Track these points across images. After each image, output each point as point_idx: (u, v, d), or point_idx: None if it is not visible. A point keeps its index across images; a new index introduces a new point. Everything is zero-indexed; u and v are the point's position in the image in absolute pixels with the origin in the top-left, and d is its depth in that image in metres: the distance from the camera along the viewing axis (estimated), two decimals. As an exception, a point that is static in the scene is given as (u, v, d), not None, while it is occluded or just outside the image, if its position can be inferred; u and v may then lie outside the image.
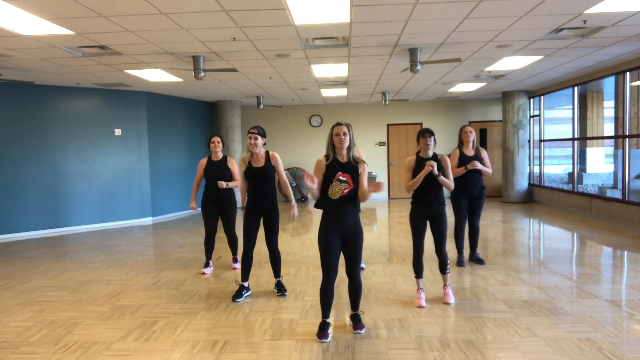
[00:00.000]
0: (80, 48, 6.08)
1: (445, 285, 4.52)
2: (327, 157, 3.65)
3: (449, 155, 4.92)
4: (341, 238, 3.64)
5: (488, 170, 5.53)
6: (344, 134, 3.54)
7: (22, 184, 8.55)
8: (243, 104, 12.87)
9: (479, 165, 5.41)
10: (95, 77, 8.04)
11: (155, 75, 8.01)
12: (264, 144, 4.59)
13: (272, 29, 5.37)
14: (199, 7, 4.56)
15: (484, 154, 5.60)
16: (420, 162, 4.33)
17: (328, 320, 3.74)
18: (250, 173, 4.51)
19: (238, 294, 4.66)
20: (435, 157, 4.35)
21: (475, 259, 5.81)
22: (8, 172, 8.40)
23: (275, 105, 12.79)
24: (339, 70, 7.99)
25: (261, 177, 4.49)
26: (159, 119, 10.45)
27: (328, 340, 3.63)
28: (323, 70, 7.93)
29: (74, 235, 8.72)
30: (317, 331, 3.71)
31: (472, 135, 5.54)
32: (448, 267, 4.47)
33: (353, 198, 3.59)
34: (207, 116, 12.48)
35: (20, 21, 4.82)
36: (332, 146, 3.61)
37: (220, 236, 7.88)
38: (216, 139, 5.60)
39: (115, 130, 9.59)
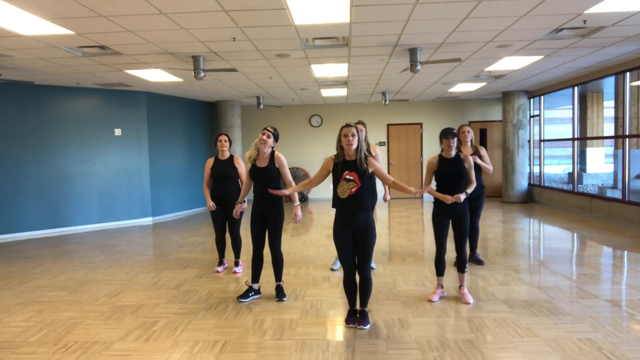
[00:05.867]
0: (80, 48, 6.08)
1: (462, 286, 4.52)
2: (337, 156, 3.77)
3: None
4: (353, 235, 3.75)
5: (487, 166, 5.44)
6: (352, 135, 3.62)
7: (22, 184, 8.55)
8: (243, 104, 12.87)
9: (477, 159, 5.30)
10: (95, 77, 8.04)
11: (155, 75, 8.01)
12: (273, 147, 4.52)
13: (272, 29, 5.37)
14: (199, 7, 4.56)
15: (483, 152, 5.52)
16: (443, 163, 4.34)
17: (356, 308, 3.94)
18: (254, 172, 4.48)
19: (244, 295, 4.62)
20: (457, 157, 4.34)
21: (475, 260, 5.77)
22: (8, 172, 8.40)
23: (275, 105, 12.79)
24: (339, 70, 7.99)
25: (264, 177, 4.44)
26: (159, 119, 10.44)
27: (353, 325, 3.85)
28: (323, 70, 7.93)
29: (74, 235, 8.71)
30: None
31: (470, 135, 5.48)
32: (467, 266, 4.52)
33: (364, 197, 3.66)
34: (207, 116, 12.48)
35: (20, 21, 4.82)
36: (340, 146, 3.71)
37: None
38: (223, 137, 5.58)
39: (115, 130, 9.59)
